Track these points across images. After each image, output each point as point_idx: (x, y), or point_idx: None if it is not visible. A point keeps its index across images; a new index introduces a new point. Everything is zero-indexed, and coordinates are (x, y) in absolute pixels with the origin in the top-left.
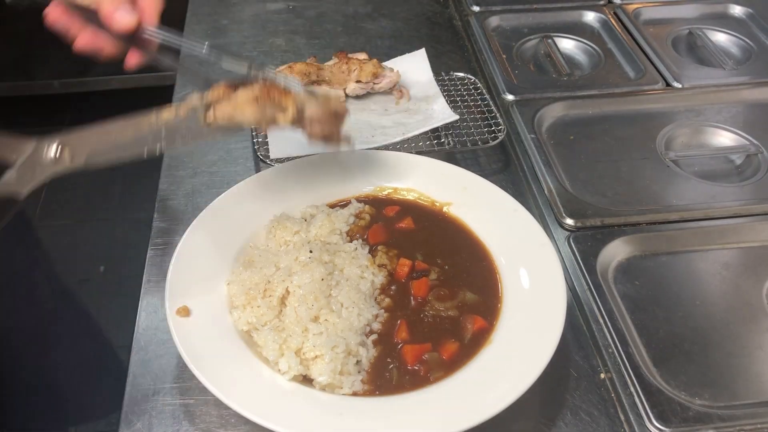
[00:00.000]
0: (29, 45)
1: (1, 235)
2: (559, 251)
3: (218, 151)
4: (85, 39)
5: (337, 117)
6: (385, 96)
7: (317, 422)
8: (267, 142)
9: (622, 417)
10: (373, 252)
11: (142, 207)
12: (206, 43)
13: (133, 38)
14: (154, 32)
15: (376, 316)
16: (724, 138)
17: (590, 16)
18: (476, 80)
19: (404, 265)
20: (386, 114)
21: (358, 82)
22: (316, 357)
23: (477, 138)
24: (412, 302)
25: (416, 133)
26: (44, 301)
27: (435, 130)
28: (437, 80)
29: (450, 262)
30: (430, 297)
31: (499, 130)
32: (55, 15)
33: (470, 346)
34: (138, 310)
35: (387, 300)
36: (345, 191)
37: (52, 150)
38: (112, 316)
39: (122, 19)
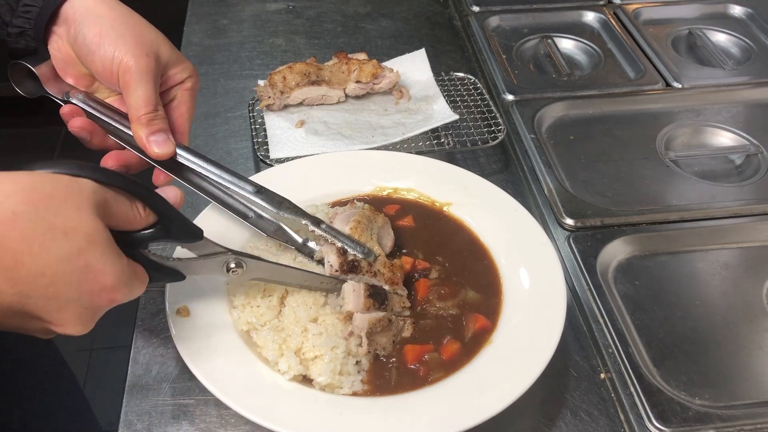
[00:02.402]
0: None
1: None
2: (559, 251)
3: (218, 151)
4: (112, 159)
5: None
6: (384, 96)
7: (317, 422)
8: (267, 142)
9: (622, 417)
10: None
11: None
12: (254, 189)
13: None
14: (188, 158)
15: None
16: (724, 138)
17: (590, 16)
18: (476, 80)
19: (406, 264)
20: (386, 114)
21: (357, 82)
22: (315, 357)
23: (477, 138)
24: (414, 301)
25: (416, 133)
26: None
27: (435, 130)
28: (437, 80)
29: (450, 260)
30: (431, 296)
31: (499, 130)
32: (76, 125)
33: (470, 346)
34: (138, 310)
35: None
36: (345, 191)
37: (232, 263)
38: (112, 316)
39: (159, 149)
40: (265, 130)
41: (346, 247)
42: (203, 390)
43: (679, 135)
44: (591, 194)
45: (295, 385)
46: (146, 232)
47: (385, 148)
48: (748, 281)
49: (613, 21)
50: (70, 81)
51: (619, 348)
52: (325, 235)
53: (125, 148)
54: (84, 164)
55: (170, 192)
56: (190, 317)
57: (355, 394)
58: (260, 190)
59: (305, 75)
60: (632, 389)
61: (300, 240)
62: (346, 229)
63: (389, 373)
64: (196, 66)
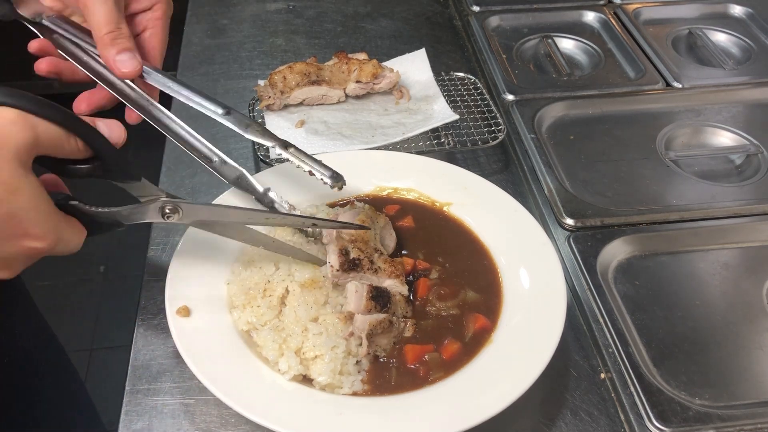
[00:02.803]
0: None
1: None
2: (559, 251)
3: None
4: (84, 102)
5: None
6: (385, 96)
7: (317, 422)
8: None
9: (622, 417)
10: None
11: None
12: (223, 110)
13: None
14: (157, 79)
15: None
16: (724, 138)
17: (590, 16)
18: (476, 80)
19: (406, 264)
20: (386, 114)
21: (357, 82)
22: (315, 357)
23: (477, 138)
24: (414, 301)
25: (416, 133)
26: (43, 300)
27: (435, 130)
28: (437, 80)
29: (451, 260)
30: (431, 296)
31: (499, 130)
32: (42, 67)
33: (470, 346)
34: (138, 310)
35: None
36: (345, 191)
37: (167, 208)
38: (112, 316)
39: (125, 68)
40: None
41: (313, 171)
42: (203, 390)
43: (679, 135)
44: (591, 194)
45: (295, 385)
46: (82, 166)
47: (385, 148)
48: (748, 281)
49: (613, 21)
50: (46, 2)
51: (619, 348)
52: (292, 158)
53: (95, 81)
54: (12, 91)
55: (114, 128)
56: (190, 317)
57: (355, 394)
58: (229, 112)
59: (305, 75)
60: (632, 389)
61: (261, 189)
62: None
63: (389, 373)
64: (196, 66)
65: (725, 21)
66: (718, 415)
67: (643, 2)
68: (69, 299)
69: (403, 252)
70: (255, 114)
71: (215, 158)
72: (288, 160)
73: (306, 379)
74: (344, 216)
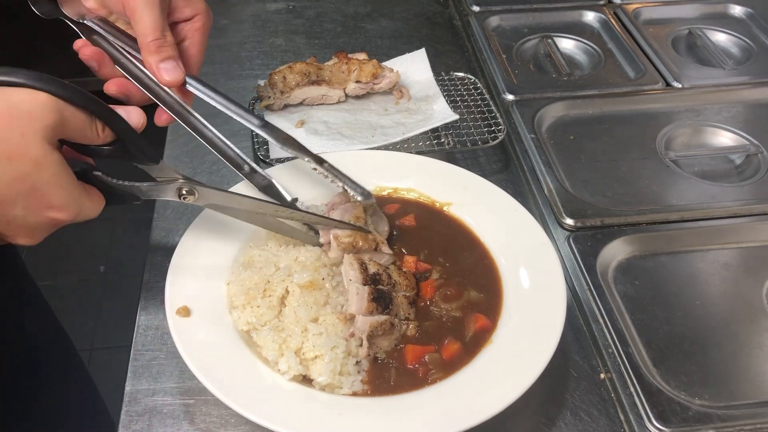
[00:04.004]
0: (30, 45)
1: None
2: (559, 251)
3: None
4: (114, 86)
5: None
6: (385, 96)
7: (317, 422)
8: (267, 142)
9: (622, 417)
10: None
11: (142, 207)
12: (260, 122)
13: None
14: (197, 87)
15: None
16: (724, 138)
17: (590, 16)
18: (476, 80)
19: (409, 262)
20: (386, 114)
21: (357, 82)
22: (315, 357)
23: (477, 138)
24: (419, 302)
25: (416, 133)
26: (44, 300)
27: (435, 130)
28: (437, 80)
29: (452, 260)
30: (436, 297)
31: (499, 130)
32: (87, 52)
33: (470, 346)
34: (138, 310)
35: None
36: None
37: (185, 189)
38: (112, 316)
39: (168, 76)
40: None
41: (346, 187)
42: (203, 390)
43: (679, 135)
44: (591, 194)
45: (295, 385)
46: (104, 147)
47: (385, 148)
48: (748, 281)
49: (613, 21)
50: (88, 4)
51: (619, 348)
52: (326, 173)
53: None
54: (44, 76)
55: (133, 113)
56: (190, 317)
57: (355, 394)
58: (266, 125)
59: (305, 75)
60: (632, 389)
61: (289, 198)
62: (347, 219)
63: (389, 373)
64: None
65: (725, 21)
66: (718, 415)
67: (643, 2)
68: (69, 299)
69: (403, 251)
70: (255, 114)
71: (246, 166)
72: (323, 174)
73: (306, 380)
74: (340, 208)
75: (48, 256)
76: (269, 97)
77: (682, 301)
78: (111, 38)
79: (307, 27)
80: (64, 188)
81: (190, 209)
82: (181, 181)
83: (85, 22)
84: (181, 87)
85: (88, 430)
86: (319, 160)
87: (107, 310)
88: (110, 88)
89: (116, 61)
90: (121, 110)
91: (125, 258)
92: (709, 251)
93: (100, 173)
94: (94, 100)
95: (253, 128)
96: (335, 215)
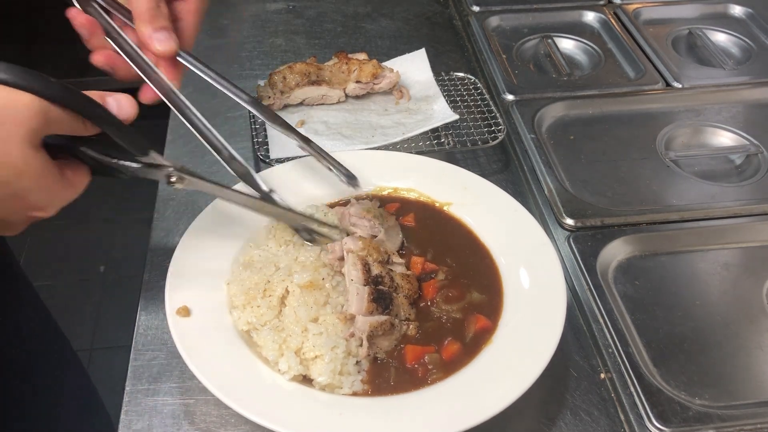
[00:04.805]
0: (29, 44)
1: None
2: (559, 251)
3: None
4: (101, 57)
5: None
6: (385, 96)
7: (317, 422)
8: (267, 142)
9: (622, 417)
10: None
11: (142, 207)
12: (249, 98)
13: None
14: (188, 59)
15: None
16: (724, 138)
17: (590, 16)
18: (476, 80)
19: (416, 263)
20: (386, 114)
21: (357, 82)
22: (315, 357)
23: (477, 138)
24: (420, 303)
25: (416, 133)
26: (41, 302)
27: (435, 130)
28: (437, 80)
29: (456, 261)
30: (438, 298)
31: (499, 130)
32: (79, 19)
33: (471, 346)
34: (138, 310)
35: None
36: (345, 191)
37: (173, 177)
38: (112, 316)
39: (161, 46)
40: (265, 129)
41: (332, 167)
42: (203, 390)
43: (679, 135)
44: (591, 194)
45: (295, 385)
46: (91, 139)
47: (385, 148)
48: (748, 281)
49: (613, 21)
50: None
51: (619, 348)
52: (314, 153)
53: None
54: (29, 73)
55: (124, 102)
56: (190, 317)
57: (355, 394)
58: (254, 101)
59: (305, 75)
60: (632, 389)
61: (266, 189)
62: (363, 214)
63: (389, 373)
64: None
65: (725, 21)
66: (718, 415)
67: (643, 2)
68: (69, 299)
69: (401, 250)
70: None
71: (225, 151)
72: (308, 154)
73: (306, 379)
74: (356, 207)
75: (48, 256)
76: (269, 97)
77: (682, 301)
78: (105, 7)
79: (307, 27)
80: (45, 191)
81: (191, 209)
82: (170, 169)
83: None
84: (172, 61)
85: (86, 429)
86: (306, 140)
87: (107, 310)
88: (98, 59)
89: (107, 33)
90: (110, 100)
91: (125, 258)
92: (709, 251)
93: (86, 148)
94: (83, 97)
95: (242, 103)
96: (353, 214)
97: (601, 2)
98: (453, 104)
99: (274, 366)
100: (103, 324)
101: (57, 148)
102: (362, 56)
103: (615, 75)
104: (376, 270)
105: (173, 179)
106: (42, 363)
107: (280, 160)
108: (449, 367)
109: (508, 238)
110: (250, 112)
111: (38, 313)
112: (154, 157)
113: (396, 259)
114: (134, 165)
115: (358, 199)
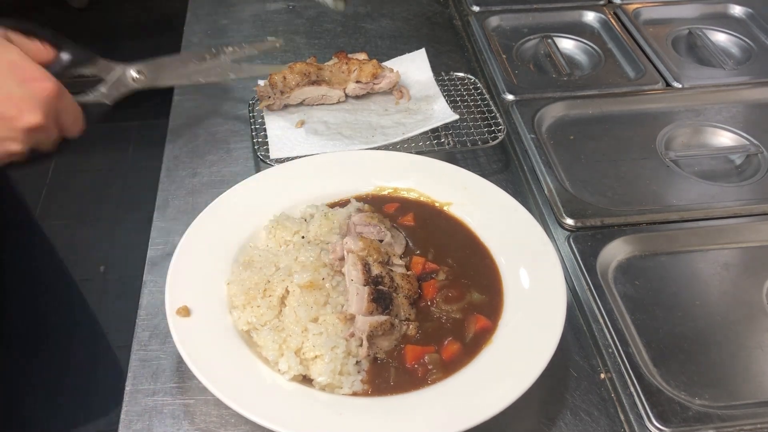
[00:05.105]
0: None
1: (1, 234)
2: (559, 251)
3: (218, 151)
4: None
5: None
6: (385, 96)
7: (317, 422)
8: (267, 142)
9: (622, 417)
10: None
11: (142, 207)
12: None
13: None
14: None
15: None
16: (724, 138)
17: (590, 16)
18: (476, 80)
19: (417, 264)
20: (386, 114)
21: (357, 82)
22: (315, 357)
23: (477, 138)
24: (420, 303)
25: (416, 133)
26: (44, 300)
27: (435, 130)
28: (437, 80)
29: (456, 261)
30: (438, 298)
31: (499, 130)
32: None
33: (471, 346)
34: (138, 310)
35: None
36: (345, 191)
37: (134, 72)
38: (112, 316)
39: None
40: (265, 129)
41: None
42: (203, 390)
43: (679, 135)
44: (591, 194)
45: (295, 385)
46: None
47: (385, 148)
48: (748, 281)
49: (613, 21)
50: None
51: (619, 348)
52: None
53: None
54: None
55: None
56: (190, 317)
57: (355, 394)
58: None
59: (305, 75)
60: (632, 389)
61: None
62: (367, 221)
63: (389, 373)
64: None
65: (725, 21)
66: (718, 415)
67: (643, 2)
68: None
69: (402, 251)
70: (255, 114)
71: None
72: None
73: (306, 379)
74: (358, 216)
75: (48, 256)
76: (269, 97)
77: (682, 301)
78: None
79: (307, 27)
80: (33, 62)
81: (191, 209)
82: (128, 67)
83: None
84: None
85: (95, 379)
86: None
87: (107, 310)
88: None
89: None
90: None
91: (125, 258)
92: (709, 251)
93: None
94: (25, 23)
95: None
96: (355, 233)
97: (601, 2)
98: (453, 104)
99: (274, 366)
100: (103, 324)
101: None
102: (362, 56)
103: (615, 75)
104: (376, 270)
105: (134, 73)
106: (54, 327)
107: (280, 160)
108: (449, 367)
109: (508, 238)
110: (249, 111)
111: (43, 249)
112: (105, 62)
113: (396, 260)
114: (101, 86)
115: (358, 199)
